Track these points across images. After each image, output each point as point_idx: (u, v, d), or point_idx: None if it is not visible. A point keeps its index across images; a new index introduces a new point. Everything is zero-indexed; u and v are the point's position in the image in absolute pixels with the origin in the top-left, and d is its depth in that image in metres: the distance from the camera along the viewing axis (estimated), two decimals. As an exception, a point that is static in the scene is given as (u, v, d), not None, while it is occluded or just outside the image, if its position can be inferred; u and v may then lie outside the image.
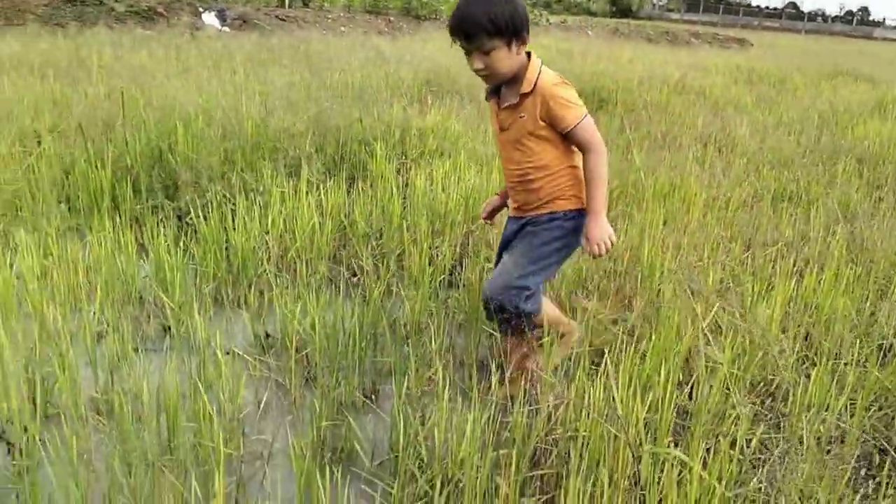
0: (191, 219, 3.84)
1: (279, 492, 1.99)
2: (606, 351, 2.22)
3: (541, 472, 2.01)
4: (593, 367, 2.33)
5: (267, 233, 3.58)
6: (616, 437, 1.95)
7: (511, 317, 2.34)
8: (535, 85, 2.21)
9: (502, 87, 2.33)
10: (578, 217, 2.34)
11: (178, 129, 4.26)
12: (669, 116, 7.16)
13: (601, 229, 2.23)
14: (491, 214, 2.72)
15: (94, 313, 2.89)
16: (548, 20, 22.94)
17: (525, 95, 2.23)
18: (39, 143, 4.36)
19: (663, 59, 12.99)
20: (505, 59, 2.17)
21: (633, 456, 1.86)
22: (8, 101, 5.21)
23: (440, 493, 2.03)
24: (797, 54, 19.91)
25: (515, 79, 2.26)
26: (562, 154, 2.31)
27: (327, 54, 8.98)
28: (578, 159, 2.33)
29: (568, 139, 2.26)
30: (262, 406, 2.49)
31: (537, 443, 2.03)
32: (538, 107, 2.21)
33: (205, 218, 3.50)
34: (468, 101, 6.76)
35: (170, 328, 2.97)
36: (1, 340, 2.45)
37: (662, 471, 1.90)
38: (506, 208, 2.65)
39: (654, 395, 2.03)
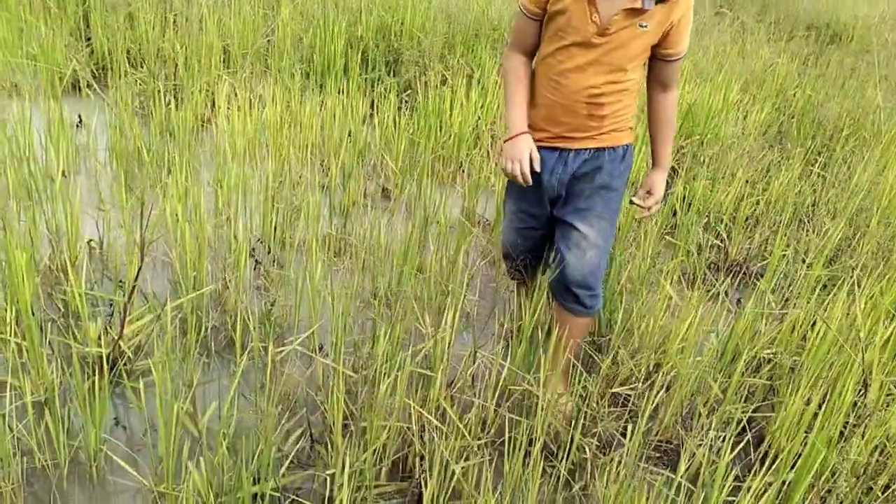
0: (408, 96, 4.01)
1: (497, 346, 2.12)
2: (847, 279, 2.11)
3: (755, 380, 2.00)
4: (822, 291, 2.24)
5: (479, 118, 3.67)
6: (840, 359, 1.90)
7: (594, 296, 1.95)
8: None
9: None
10: (631, 150, 1.96)
11: (408, 8, 4.37)
12: (915, 61, 6.38)
13: (664, 187, 1.93)
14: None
15: (326, 164, 3.14)
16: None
17: (663, 1, 1.70)
18: (280, 6, 4.65)
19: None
20: None
21: (863, 381, 1.80)
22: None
23: (644, 379, 2.08)
24: None
25: None
26: (640, 80, 1.88)
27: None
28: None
29: (663, 69, 1.84)
30: (473, 270, 2.63)
31: (757, 351, 2.01)
32: (669, 21, 1.74)
33: (424, 96, 3.62)
34: None
35: (388, 190, 3.17)
36: (248, 175, 2.74)
37: (888, 403, 1.83)
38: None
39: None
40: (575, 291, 1.91)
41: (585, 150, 1.86)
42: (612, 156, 1.87)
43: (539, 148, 1.84)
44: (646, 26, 1.71)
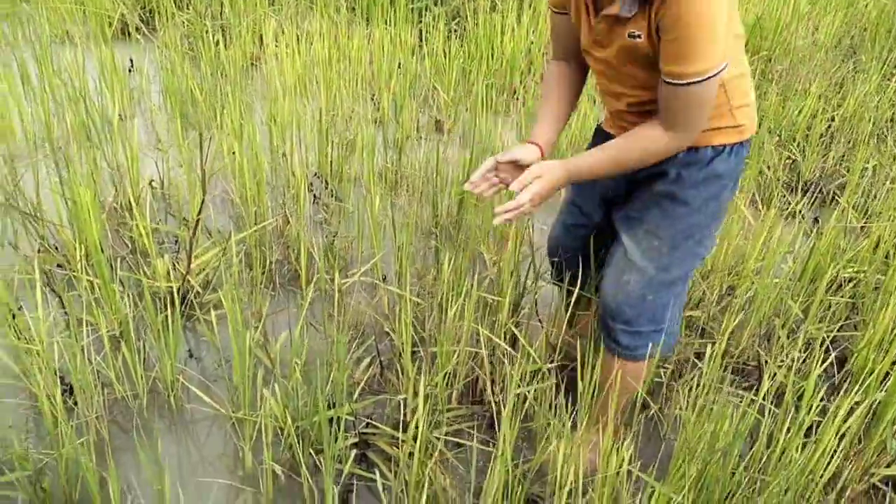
0: (457, 24, 3.88)
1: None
2: None
3: (837, 299, 1.91)
4: None
5: (532, 42, 3.54)
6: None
7: (633, 333, 1.47)
8: None
9: None
10: (740, 152, 1.40)
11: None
12: None
13: (548, 183, 1.30)
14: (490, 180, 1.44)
15: (376, 98, 3.08)
16: None
17: (644, 3, 1.20)
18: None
19: None
20: None
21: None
22: None
23: (717, 302, 2.01)
24: None
25: None
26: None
27: None
28: (738, 66, 1.33)
29: (663, 88, 1.24)
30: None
31: (838, 271, 1.91)
32: (653, 25, 1.21)
33: (473, 23, 3.51)
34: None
35: (441, 122, 3.11)
36: (300, 111, 2.70)
37: None
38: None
39: None
40: (606, 321, 1.48)
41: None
42: (688, 158, 1.37)
43: (606, 134, 1.50)
44: (637, 36, 1.24)
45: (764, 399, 1.57)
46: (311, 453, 1.52)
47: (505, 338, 1.73)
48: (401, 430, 1.52)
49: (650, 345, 1.46)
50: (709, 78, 1.18)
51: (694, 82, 1.18)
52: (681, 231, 1.40)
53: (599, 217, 1.60)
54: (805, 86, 3.11)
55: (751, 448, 1.55)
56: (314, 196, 2.46)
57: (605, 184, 1.51)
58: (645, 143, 1.30)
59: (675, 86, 1.20)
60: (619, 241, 1.48)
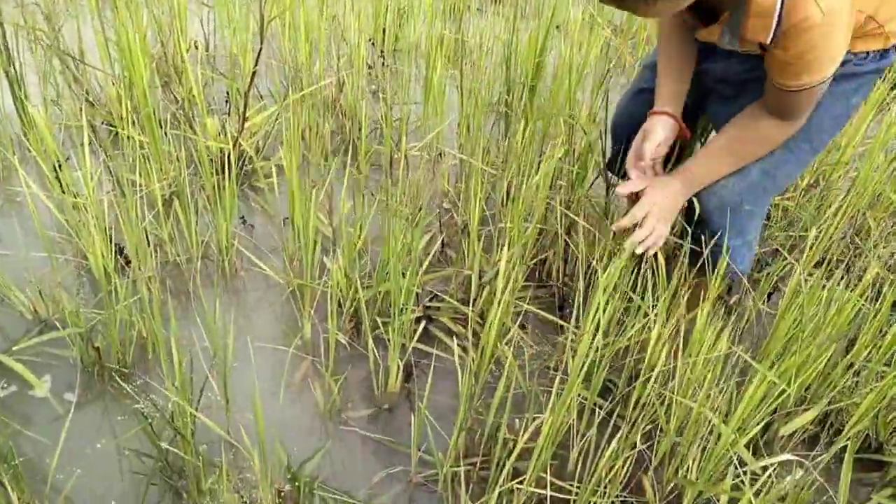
0: None
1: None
2: None
3: None
4: None
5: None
6: None
7: (719, 246, 1.36)
8: (775, 28, 1.04)
9: None
10: (886, 56, 1.19)
11: None
12: None
13: (671, 202, 1.26)
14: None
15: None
16: None
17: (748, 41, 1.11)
18: None
19: None
20: None
21: None
22: None
23: (803, 192, 1.86)
24: None
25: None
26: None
27: None
28: None
29: (772, 88, 1.15)
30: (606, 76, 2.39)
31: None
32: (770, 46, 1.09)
33: None
34: None
35: (501, -7, 2.88)
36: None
37: None
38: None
39: None
40: (691, 229, 1.37)
41: None
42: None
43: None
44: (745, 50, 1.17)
45: (862, 294, 1.46)
46: (377, 321, 1.44)
47: (581, 215, 1.62)
48: (470, 306, 1.43)
49: (735, 260, 1.36)
50: (819, 84, 1.11)
51: (804, 89, 1.12)
52: (799, 131, 1.23)
53: (689, 100, 1.39)
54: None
55: (845, 345, 1.44)
56: (367, 65, 2.30)
57: (713, 73, 1.32)
58: (763, 132, 1.21)
59: (783, 91, 1.13)
60: (716, 136, 1.29)
